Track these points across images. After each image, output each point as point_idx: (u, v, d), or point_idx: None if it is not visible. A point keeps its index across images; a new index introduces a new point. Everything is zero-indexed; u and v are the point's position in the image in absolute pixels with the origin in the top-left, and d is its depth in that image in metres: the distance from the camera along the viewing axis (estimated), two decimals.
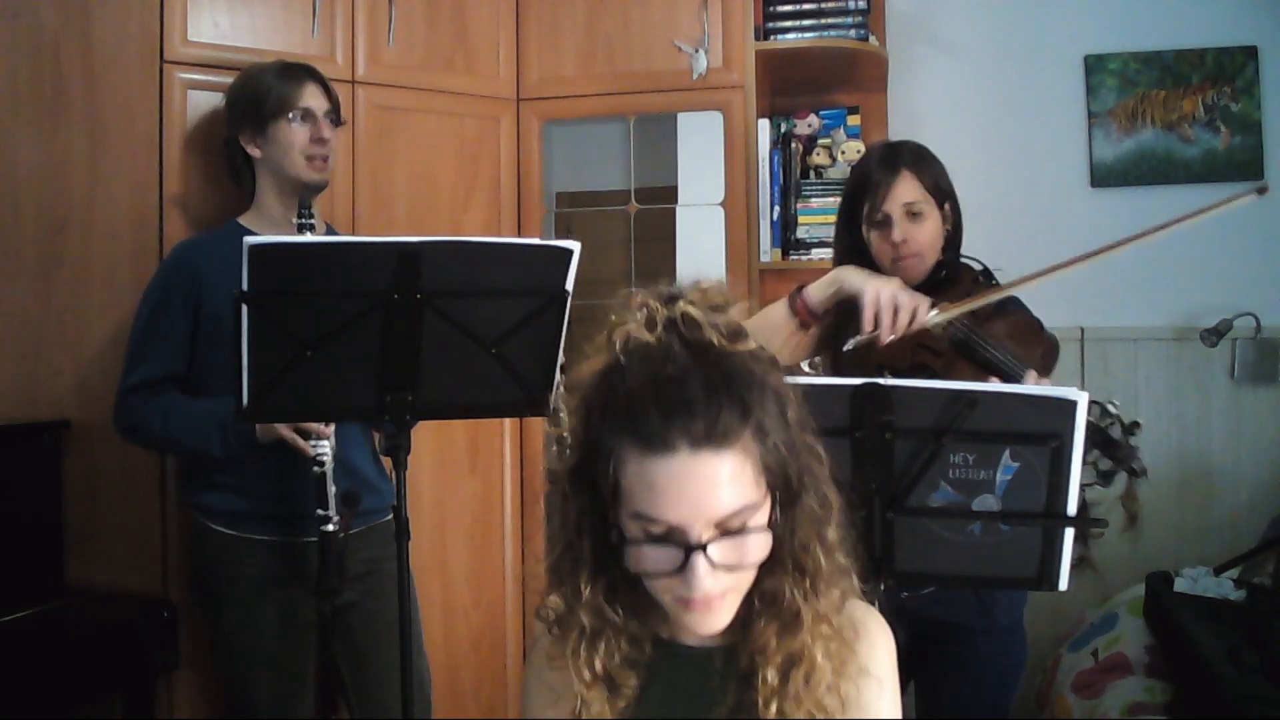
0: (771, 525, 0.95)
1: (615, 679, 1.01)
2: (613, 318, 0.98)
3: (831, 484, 1.02)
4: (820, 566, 1.00)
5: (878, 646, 1.05)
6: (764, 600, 1.00)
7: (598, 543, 0.99)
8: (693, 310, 0.95)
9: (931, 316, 1.72)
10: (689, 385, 0.91)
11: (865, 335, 1.73)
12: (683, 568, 0.91)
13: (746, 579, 0.97)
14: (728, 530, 0.92)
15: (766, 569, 0.98)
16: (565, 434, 1.02)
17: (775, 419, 0.95)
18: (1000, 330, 1.76)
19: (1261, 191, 1.71)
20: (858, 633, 1.03)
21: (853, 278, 1.78)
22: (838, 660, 1.00)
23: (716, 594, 0.93)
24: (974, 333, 1.75)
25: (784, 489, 0.97)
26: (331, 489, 1.91)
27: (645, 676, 1.03)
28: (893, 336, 1.71)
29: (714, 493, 0.91)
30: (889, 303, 1.71)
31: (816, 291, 1.82)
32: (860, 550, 1.06)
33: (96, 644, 2.08)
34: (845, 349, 1.76)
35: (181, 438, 1.97)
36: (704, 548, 0.91)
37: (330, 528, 1.89)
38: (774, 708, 0.98)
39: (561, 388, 1.86)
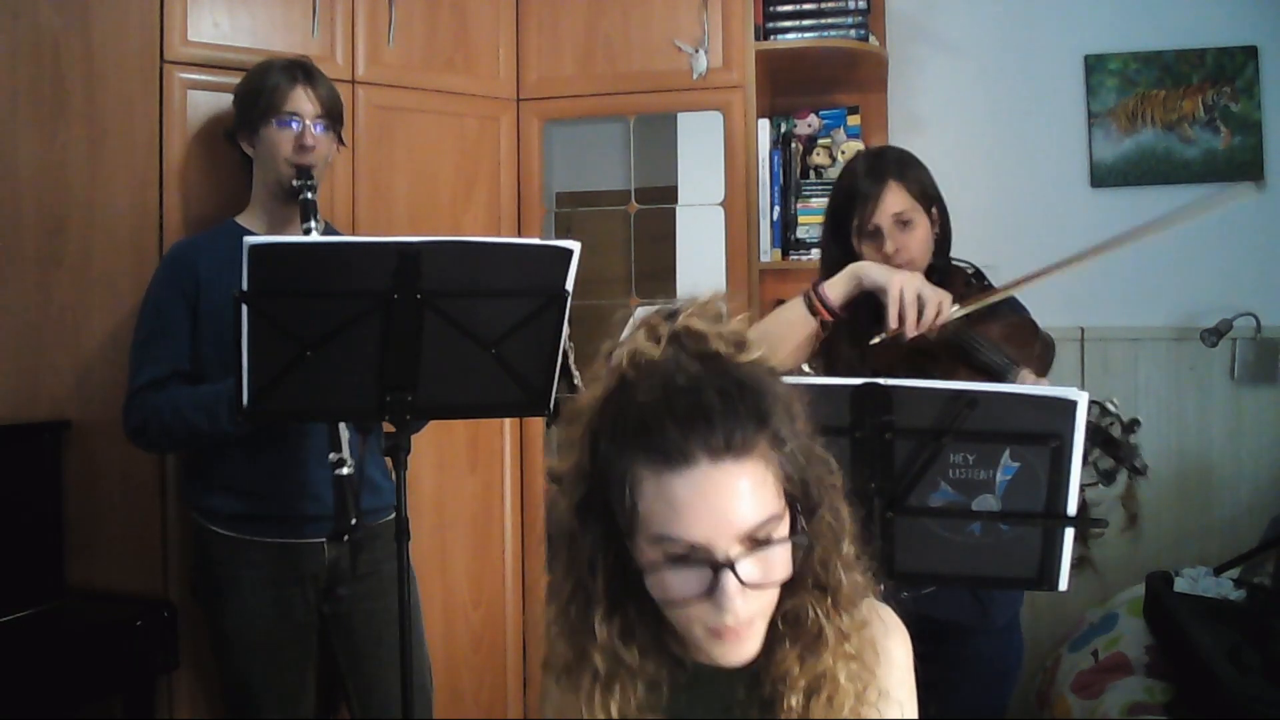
0: (794, 537, 0.92)
1: None
2: (606, 343, 0.96)
3: (842, 497, 1.00)
4: (841, 583, 0.98)
5: (896, 667, 1.04)
6: (786, 622, 0.97)
7: (611, 578, 0.95)
8: (695, 323, 0.93)
9: (954, 311, 1.72)
10: (703, 394, 0.88)
11: (891, 331, 1.71)
12: (712, 590, 0.88)
13: (771, 601, 0.94)
14: (754, 544, 0.89)
15: (788, 589, 0.96)
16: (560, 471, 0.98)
17: (789, 427, 0.93)
18: (995, 332, 1.76)
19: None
20: (878, 654, 1.01)
21: (874, 273, 1.77)
22: (860, 682, 0.98)
23: (746, 619, 0.90)
24: (968, 335, 1.74)
25: (803, 500, 0.95)
26: (345, 433, 1.89)
27: (666, 714, 0.99)
28: (917, 332, 1.70)
29: (737, 505, 0.88)
30: (913, 298, 1.70)
31: (835, 288, 1.80)
32: (872, 558, 1.04)
33: (96, 644, 2.08)
34: (872, 344, 1.74)
35: (192, 420, 1.91)
36: (732, 565, 0.87)
37: (345, 471, 1.85)
38: None
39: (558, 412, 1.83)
